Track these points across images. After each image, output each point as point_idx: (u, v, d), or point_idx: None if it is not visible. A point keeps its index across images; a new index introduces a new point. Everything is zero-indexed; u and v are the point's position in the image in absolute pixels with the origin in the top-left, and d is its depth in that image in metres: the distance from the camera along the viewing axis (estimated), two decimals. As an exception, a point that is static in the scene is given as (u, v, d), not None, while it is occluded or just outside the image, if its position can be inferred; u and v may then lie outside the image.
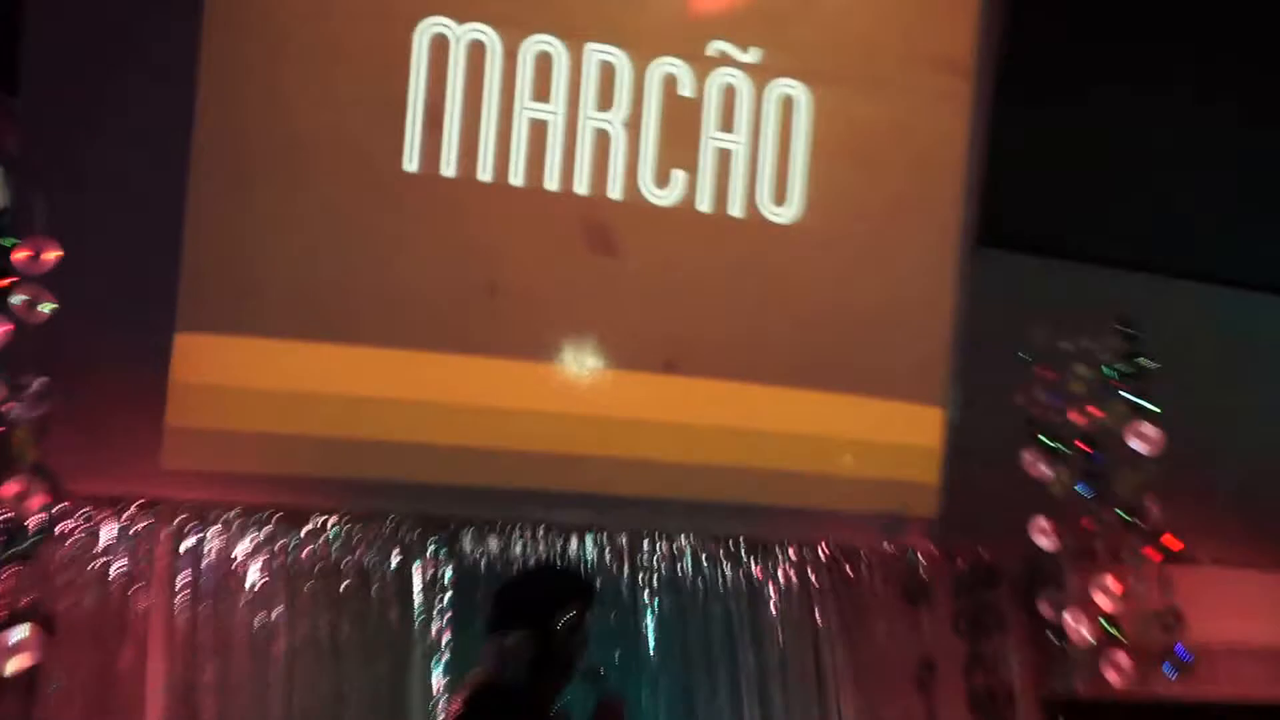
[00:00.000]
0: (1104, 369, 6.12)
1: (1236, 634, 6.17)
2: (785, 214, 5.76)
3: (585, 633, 3.37)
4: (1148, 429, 6.00)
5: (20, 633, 4.36)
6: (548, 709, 3.26)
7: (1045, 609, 5.93)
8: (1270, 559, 6.50)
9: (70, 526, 4.71)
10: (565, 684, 3.33)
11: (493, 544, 5.36)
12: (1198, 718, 6.23)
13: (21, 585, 4.46)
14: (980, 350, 6.04)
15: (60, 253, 4.53)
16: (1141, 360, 6.14)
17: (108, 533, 4.78)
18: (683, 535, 5.67)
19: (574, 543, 5.48)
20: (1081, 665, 5.88)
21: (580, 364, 5.57)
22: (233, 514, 4.99)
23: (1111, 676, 5.80)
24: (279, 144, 5.11)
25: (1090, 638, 5.82)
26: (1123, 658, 5.80)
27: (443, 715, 3.40)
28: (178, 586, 4.85)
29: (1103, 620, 5.84)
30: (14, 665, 4.33)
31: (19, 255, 4.50)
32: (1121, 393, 6.05)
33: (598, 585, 3.87)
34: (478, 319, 5.35)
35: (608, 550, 5.54)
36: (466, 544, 5.33)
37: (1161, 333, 6.17)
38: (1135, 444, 5.96)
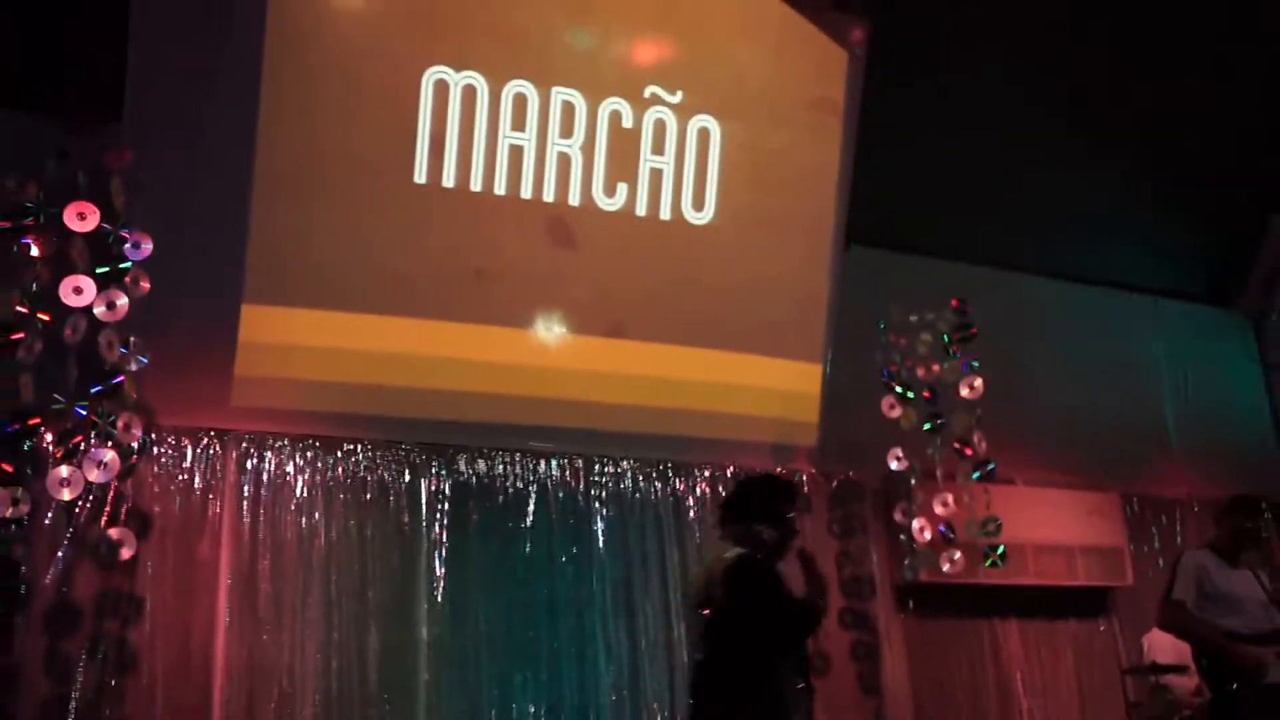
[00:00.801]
0: (942, 336, 6.88)
1: (1041, 536, 6.94)
2: (702, 217, 6.34)
3: (796, 523, 4.02)
4: (975, 382, 6.80)
5: (126, 530, 5.13)
6: (778, 575, 3.88)
7: (898, 517, 6.68)
8: (1067, 481, 7.28)
9: (161, 451, 5.36)
10: (783, 558, 3.94)
11: (481, 465, 5.94)
12: (1012, 598, 6.99)
13: (126, 495, 5.18)
14: (850, 321, 6.72)
15: (152, 244, 5.22)
16: (971, 330, 6.89)
17: (190, 455, 5.41)
18: (624, 460, 6.26)
19: (541, 465, 6.05)
20: (924, 559, 6.59)
21: (547, 329, 6.05)
22: (284, 442, 5.58)
23: (947, 567, 6.56)
24: (320, 162, 5.57)
25: (931, 538, 6.58)
26: (956, 554, 6.57)
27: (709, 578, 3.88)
28: (242, 496, 5.45)
29: (941, 526, 6.61)
30: (124, 554, 5.10)
31: (126, 246, 5.21)
32: (955, 354, 6.85)
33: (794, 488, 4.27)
34: (469, 295, 5.88)
35: (567, 471, 6.13)
36: (461, 465, 5.90)
37: (987, 310, 7.00)
38: (965, 393, 6.82)
